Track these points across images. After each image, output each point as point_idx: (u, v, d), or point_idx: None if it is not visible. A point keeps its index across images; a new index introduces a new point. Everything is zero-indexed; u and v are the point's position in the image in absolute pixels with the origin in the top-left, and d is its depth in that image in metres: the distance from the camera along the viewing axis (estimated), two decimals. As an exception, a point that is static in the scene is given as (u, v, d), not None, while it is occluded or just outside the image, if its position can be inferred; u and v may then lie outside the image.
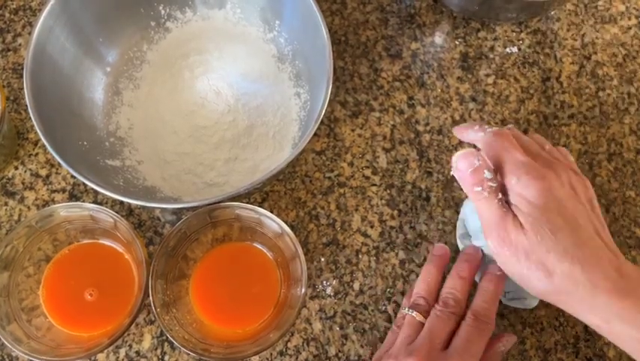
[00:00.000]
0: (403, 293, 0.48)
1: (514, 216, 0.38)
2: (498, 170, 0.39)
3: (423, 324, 0.41)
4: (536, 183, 0.37)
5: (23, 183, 0.51)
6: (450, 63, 0.55)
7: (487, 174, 0.38)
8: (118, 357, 0.46)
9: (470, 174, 0.38)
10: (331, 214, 0.50)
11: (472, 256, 0.44)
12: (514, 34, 0.57)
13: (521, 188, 0.38)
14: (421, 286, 0.43)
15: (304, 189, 0.51)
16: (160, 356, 0.46)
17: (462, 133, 0.44)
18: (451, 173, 0.40)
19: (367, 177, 0.51)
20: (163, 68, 0.53)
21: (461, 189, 0.50)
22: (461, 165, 0.38)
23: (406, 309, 0.42)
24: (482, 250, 0.45)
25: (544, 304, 0.48)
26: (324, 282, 0.48)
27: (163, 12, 0.53)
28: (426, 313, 0.41)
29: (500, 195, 0.38)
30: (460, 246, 0.48)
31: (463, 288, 0.42)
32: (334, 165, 0.52)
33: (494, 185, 0.38)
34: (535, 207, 0.37)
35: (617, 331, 0.36)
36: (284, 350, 0.46)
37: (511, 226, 0.37)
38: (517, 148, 0.39)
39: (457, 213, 0.50)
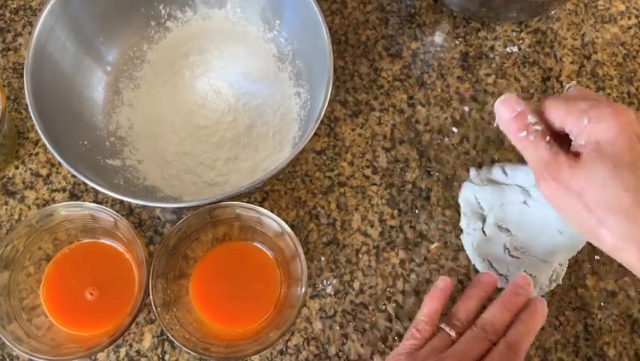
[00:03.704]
0: (403, 293, 0.48)
1: (567, 153, 0.36)
2: (563, 127, 0.37)
3: (453, 343, 0.40)
4: (608, 117, 0.35)
5: (24, 183, 0.51)
6: (450, 63, 0.56)
7: (531, 118, 0.37)
8: (118, 356, 0.46)
9: (513, 120, 0.38)
10: (331, 214, 0.50)
11: (523, 289, 0.42)
12: (515, 33, 0.57)
13: (593, 125, 0.35)
14: (460, 308, 0.42)
15: (304, 188, 0.51)
16: (160, 356, 0.46)
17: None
18: (494, 124, 0.40)
19: (367, 177, 0.51)
20: (163, 68, 0.53)
21: (460, 188, 0.50)
22: (502, 112, 0.38)
23: (444, 325, 0.41)
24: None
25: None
26: (325, 281, 0.48)
27: (163, 11, 0.53)
28: (459, 335, 0.40)
29: (548, 138, 0.37)
30: (465, 231, 0.49)
31: (504, 320, 0.40)
32: (334, 164, 0.52)
33: (539, 128, 0.37)
34: (604, 140, 0.35)
35: None
36: (284, 349, 0.46)
37: (564, 161, 0.36)
38: (577, 100, 0.37)
39: (457, 212, 0.50)
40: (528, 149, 0.38)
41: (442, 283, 0.43)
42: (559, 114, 0.37)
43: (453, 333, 0.40)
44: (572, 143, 0.37)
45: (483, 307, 0.42)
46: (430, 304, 0.42)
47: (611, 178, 0.34)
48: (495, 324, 0.40)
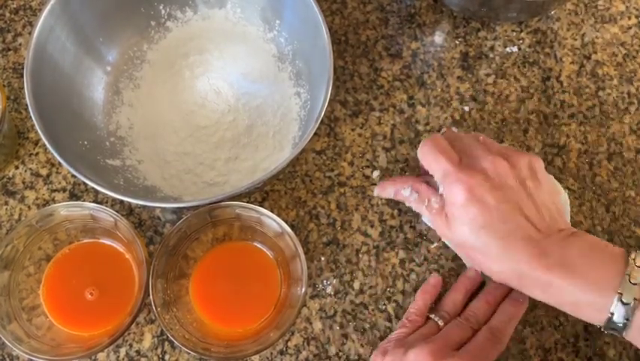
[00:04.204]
0: (403, 293, 0.48)
1: (441, 214, 0.43)
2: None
3: (440, 330, 0.44)
4: (455, 188, 0.41)
5: (24, 183, 0.51)
6: (450, 63, 0.56)
7: (405, 192, 0.46)
8: (118, 356, 0.46)
9: (395, 198, 0.48)
10: (331, 214, 0.50)
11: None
12: (514, 33, 0.57)
13: (446, 194, 0.42)
14: (447, 301, 0.46)
15: (304, 188, 0.51)
16: (160, 356, 0.46)
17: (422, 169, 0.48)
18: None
19: (367, 177, 0.51)
20: (163, 68, 0.53)
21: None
22: (386, 195, 0.49)
23: (432, 315, 0.44)
24: None
25: (543, 304, 0.48)
26: (325, 281, 0.48)
27: (163, 11, 0.53)
28: (445, 325, 0.44)
29: (427, 201, 0.44)
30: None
31: (486, 312, 0.44)
32: (334, 164, 0.52)
33: (414, 197, 0.46)
34: (457, 207, 0.41)
35: (555, 298, 0.40)
36: (284, 349, 0.46)
37: (440, 223, 0.43)
38: (445, 152, 0.43)
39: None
40: (418, 211, 0.47)
41: (434, 280, 0.47)
42: (428, 166, 0.44)
43: (441, 322, 0.44)
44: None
45: (470, 300, 0.46)
46: (421, 299, 0.46)
47: (472, 239, 0.41)
48: (478, 315, 0.44)
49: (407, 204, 0.47)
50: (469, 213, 0.40)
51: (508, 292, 0.45)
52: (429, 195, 0.44)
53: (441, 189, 0.43)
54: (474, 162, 0.42)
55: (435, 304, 0.47)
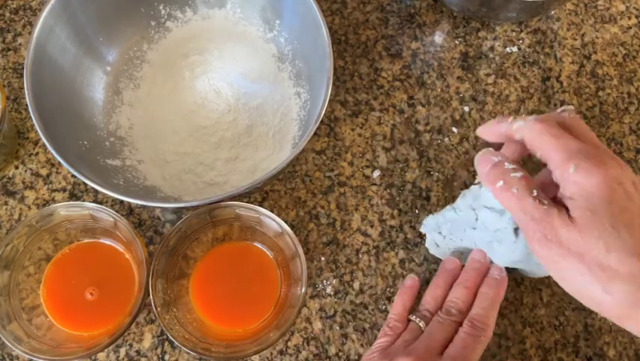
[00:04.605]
0: (403, 293, 0.48)
1: (560, 210, 0.33)
2: (546, 162, 0.34)
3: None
4: (599, 170, 0.31)
5: (24, 183, 0.51)
6: (450, 63, 0.56)
7: (509, 165, 0.34)
8: (118, 356, 0.46)
9: (490, 169, 0.35)
10: (331, 214, 0.50)
11: (479, 263, 0.43)
12: (514, 33, 0.57)
13: (581, 176, 0.32)
14: (427, 299, 0.44)
15: (304, 188, 0.51)
16: (160, 356, 0.46)
17: (490, 131, 0.37)
18: (478, 181, 0.38)
19: (367, 177, 0.51)
20: (163, 68, 0.53)
21: (460, 188, 0.50)
22: (481, 166, 0.36)
23: (413, 317, 0.43)
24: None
25: (542, 304, 0.48)
26: (324, 281, 0.48)
27: (163, 11, 0.53)
28: (427, 325, 0.42)
29: (535, 193, 0.33)
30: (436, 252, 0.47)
31: (466, 298, 0.42)
32: (334, 164, 0.52)
33: (519, 175, 0.33)
34: (596, 197, 0.31)
35: None
36: (284, 349, 0.46)
37: (559, 221, 0.32)
38: (568, 135, 0.34)
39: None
40: (512, 203, 0.34)
41: (410, 281, 0.46)
42: (543, 145, 0.34)
43: (422, 323, 0.42)
44: (559, 191, 0.33)
45: None
46: (400, 303, 0.44)
47: (613, 242, 0.31)
48: (459, 304, 0.41)
49: (494, 191, 0.34)
50: (611, 207, 0.31)
51: (486, 271, 0.42)
52: (511, 160, 0.34)
53: (570, 169, 0.32)
54: (608, 154, 0.34)
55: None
